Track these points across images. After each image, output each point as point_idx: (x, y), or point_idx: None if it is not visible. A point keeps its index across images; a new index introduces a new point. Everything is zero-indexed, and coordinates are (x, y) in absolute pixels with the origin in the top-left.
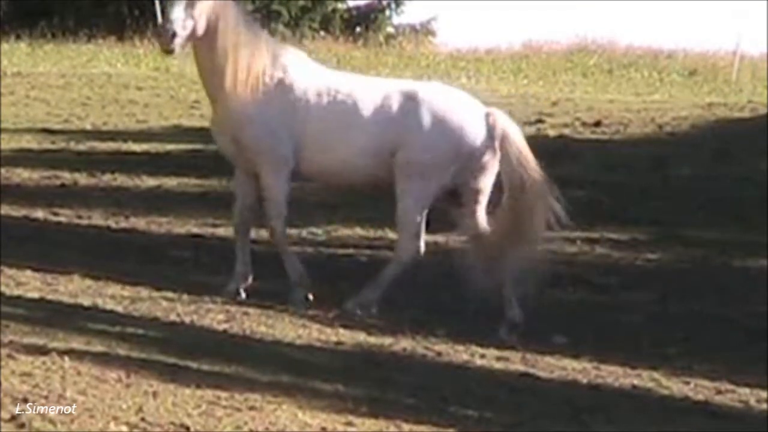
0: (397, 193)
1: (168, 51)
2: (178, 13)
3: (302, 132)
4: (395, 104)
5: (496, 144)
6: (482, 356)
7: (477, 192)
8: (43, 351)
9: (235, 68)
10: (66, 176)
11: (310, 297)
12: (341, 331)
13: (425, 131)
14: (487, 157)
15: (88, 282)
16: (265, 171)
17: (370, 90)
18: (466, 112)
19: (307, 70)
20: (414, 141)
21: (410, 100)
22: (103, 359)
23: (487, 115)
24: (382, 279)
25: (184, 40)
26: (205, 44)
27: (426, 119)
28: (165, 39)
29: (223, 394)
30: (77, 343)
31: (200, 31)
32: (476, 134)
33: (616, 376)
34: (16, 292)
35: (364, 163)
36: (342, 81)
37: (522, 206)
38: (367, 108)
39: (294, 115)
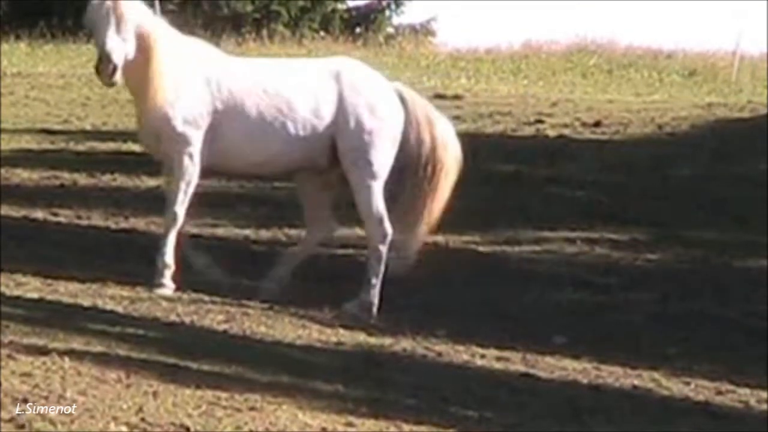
0: (351, 187)
1: (110, 85)
2: (112, 41)
3: (229, 129)
4: (323, 90)
5: (416, 117)
6: (482, 356)
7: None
8: (43, 351)
9: (161, 79)
10: (66, 176)
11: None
12: (341, 331)
13: (359, 114)
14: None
15: (88, 282)
16: (179, 161)
17: (297, 79)
18: (387, 90)
19: (230, 67)
20: (350, 126)
21: (337, 85)
22: (103, 359)
23: (397, 90)
24: (370, 277)
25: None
26: (133, 61)
27: (356, 102)
28: (106, 74)
29: (224, 395)
30: (77, 344)
31: (131, 54)
32: (398, 110)
33: (616, 376)
34: (16, 292)
35: (291, 149)
36: (268, 74)
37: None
38: (297, 98)
39: (218, 113)
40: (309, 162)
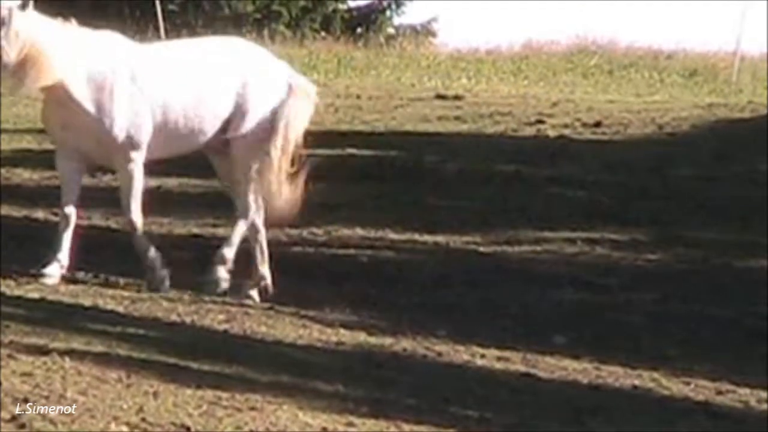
0: (237, 168)
1: None
2: None
3: (157, 121)
4: (228, 75)
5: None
6: (482, 356)
7: None
8: (43, 351)
9: (48, 59)
10: None
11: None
12: (341, 331)
13: (257, 105)
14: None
15: (88, 282)
16: (126, 167)
17: (208, 66)
18: (282, 77)
19: (145, 59)
20: (248, 117)
21: (241, 74)
22: (104, 359)
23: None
24: (232, 242)
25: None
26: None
27: (256, 94)
28: None
29: (224, 395)
30: (78, 344)
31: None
32: (285, 94)
33: (616, 376)
34: (16, 292)
35: (201, 138)
36: (179, 59)
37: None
38: (208, 85)
39: (149, 108)
40: (204, 144)
